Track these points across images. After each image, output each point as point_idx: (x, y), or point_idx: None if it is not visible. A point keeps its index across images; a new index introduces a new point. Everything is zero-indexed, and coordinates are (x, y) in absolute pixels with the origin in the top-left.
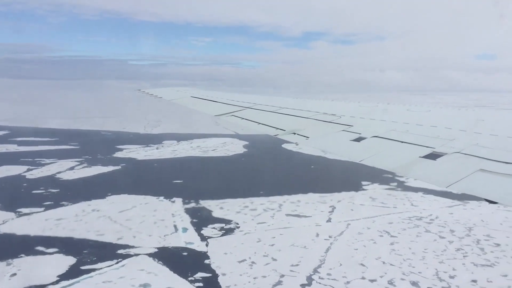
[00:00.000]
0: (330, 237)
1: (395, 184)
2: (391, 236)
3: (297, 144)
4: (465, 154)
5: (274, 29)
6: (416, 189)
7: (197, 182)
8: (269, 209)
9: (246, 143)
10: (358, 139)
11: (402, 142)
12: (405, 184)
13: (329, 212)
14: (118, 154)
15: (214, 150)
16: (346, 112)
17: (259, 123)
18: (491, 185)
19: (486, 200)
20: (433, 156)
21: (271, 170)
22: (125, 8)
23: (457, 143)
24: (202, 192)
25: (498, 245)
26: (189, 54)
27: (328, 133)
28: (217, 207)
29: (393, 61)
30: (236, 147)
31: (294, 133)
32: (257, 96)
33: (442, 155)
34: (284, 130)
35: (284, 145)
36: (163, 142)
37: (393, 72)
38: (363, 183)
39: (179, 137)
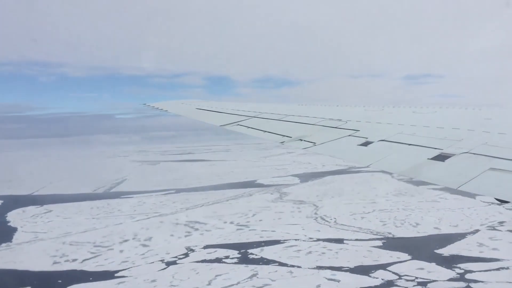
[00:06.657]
0: None
1: None
2: None
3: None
4: (474, 153)
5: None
6: None
7: None
8: None
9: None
10: (365, 144)
11: (410, 144)
12: None
13: None
14: None
15: None
16: (352, 117)
17: (265, 131)
18: (502, 183)
19: (497, 199)
20: (442, 157)
21: None
22: (111, 64)
23: (465, 143)
24: None
25: None
26: None
27: (335, 139)
28: None
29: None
30: None
31: (301, 140)
32: (262, 104)
33: (450, 156)
34: (291, 137)
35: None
36: None
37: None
38: None
39: None
